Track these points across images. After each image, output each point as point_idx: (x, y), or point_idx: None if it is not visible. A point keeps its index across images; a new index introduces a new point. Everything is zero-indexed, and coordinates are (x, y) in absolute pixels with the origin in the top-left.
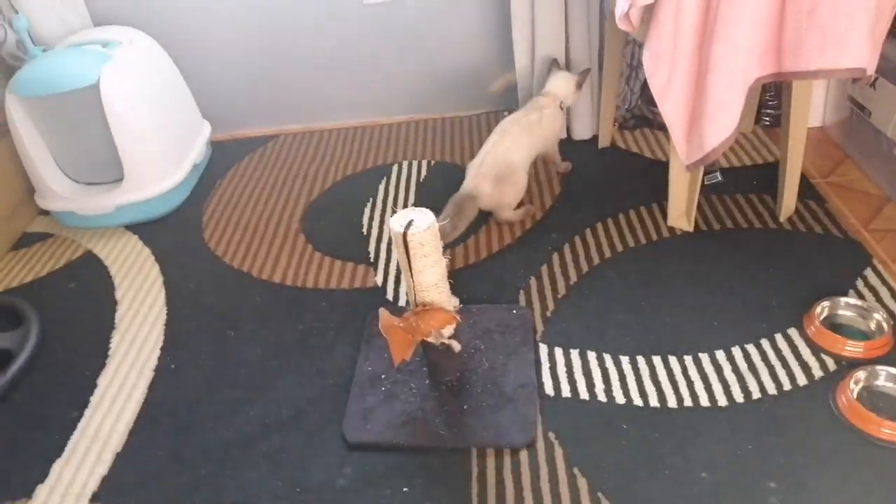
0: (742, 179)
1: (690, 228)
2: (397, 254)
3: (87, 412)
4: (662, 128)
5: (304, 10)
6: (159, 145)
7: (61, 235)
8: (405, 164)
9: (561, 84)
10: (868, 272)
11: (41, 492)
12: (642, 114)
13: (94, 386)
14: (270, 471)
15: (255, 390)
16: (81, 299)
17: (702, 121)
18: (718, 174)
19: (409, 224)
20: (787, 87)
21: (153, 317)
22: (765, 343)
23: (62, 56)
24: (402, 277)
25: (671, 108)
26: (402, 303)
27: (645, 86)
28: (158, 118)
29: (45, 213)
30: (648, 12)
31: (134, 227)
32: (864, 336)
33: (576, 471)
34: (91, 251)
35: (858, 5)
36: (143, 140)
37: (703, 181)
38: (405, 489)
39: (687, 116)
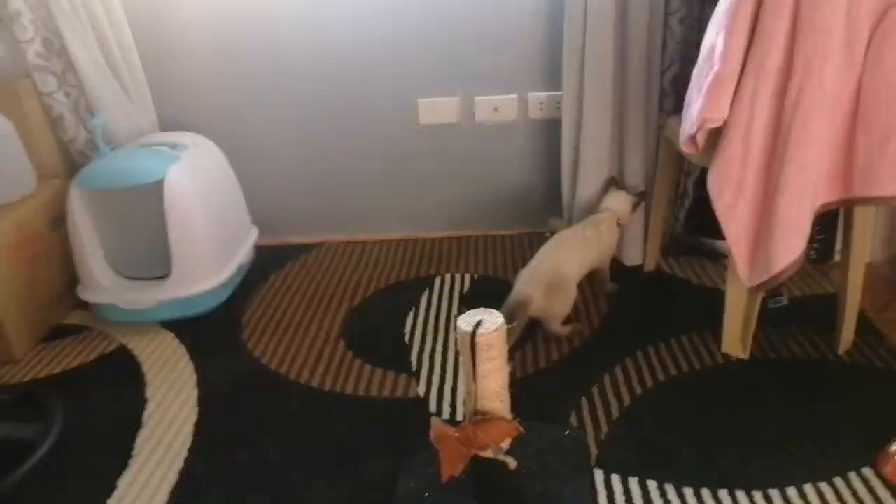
0: (794, 310)
1: (746, 356)
2: (462, 356)
3: None
4: (708, 256)
5: (360, 127)
6: (211, 245)
7: (96, 329)
8: (448, 276)
9: (619, 202)
10: None
11: None
12: (686, 242)
13: (114, 487)
14: None
15: (287, 500)
16: (110, 395)
17: (769, 243)
18: (784, 298)
19: (478, 324)
20: (847, 221)
21: (183, 416)
22: (838, 482)
23: (133, 154)
24: (463, 383)
25: (735, 230)
26: (445, 416)
27: (689, 215)
28: (214, 219)
29: (83, 306)
30: (714, 136)
31: (170, 325)
32: None
33: None
34: (125, 346)
35: None
36: (198, 239)
37: (766, 306)
38: None
39: (751, 238)
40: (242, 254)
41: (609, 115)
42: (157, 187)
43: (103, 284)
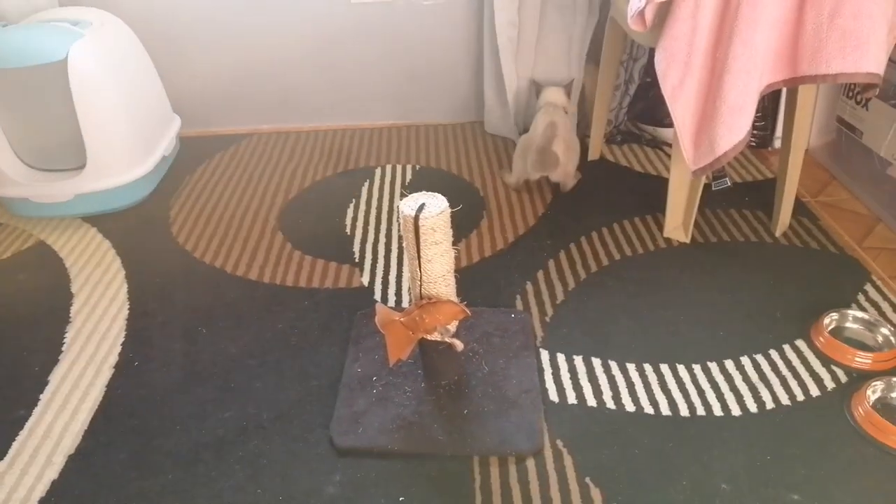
0: (733, 195)
1: (687, 240)
2: (405, 240)
3: (37, 411)
4: (649, 143)
5: (287, 4)
6: (126, 133)
7: (10, 225)
8: (388, 167)
9: (557, 95)
10: (868, 287)
11: None
12: (628, 130)
13: (45, 383)
14: (249, 477)
15: (231, 391)
16: (32, 292)
17: (714, 123)
18: (727, 180)
19: (421, 208)
20: (789, 105)
21: (113, 311)
22: (773, 353)
23: (28, 30)
24: (408, 271)
25: (681, 111)
26: (390, 304)
27: (633, 102)
28: (127, 104)
29: None
30: (663, 12)
31: (92, 220)
32: (868, 349)
33: (588, 480)
34: (44, 242)
35: (880, 10)
36: (110, 125)
37: (711, 188)
38: (401, 498)
39: (697, 120)
40: (165, 144)
41: None
42: (60, 69)
43: (11, 176)
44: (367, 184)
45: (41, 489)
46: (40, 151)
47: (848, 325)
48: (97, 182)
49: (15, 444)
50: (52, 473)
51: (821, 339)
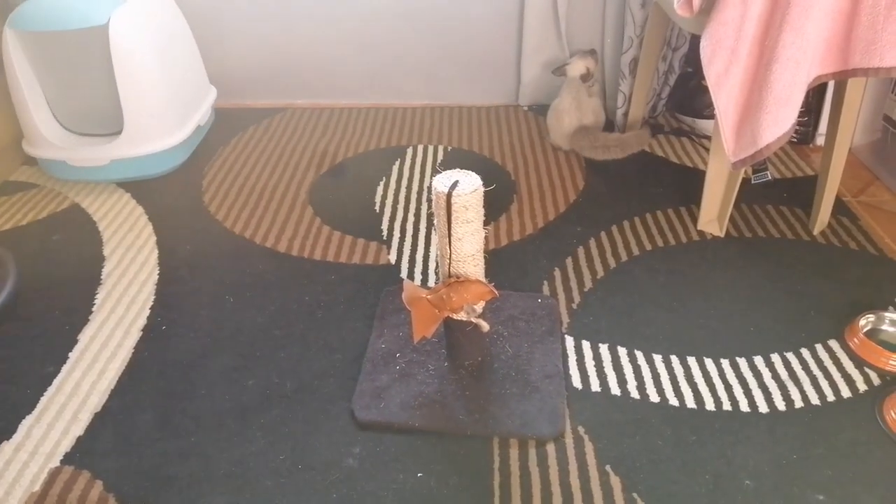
0: (771, 191)
1: (722, 234)
2: (436, 217)
3: (65, 368)
4: (687, 135)
5: None
6: (164, 100)
7: (46, 186)
8: (420, 147)
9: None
10: None
11: (6, 449)
12: (664, 121)
13: (75, 342)
14: (270, 445)
15: (255, 360)
16: (65, 252)
17: (758, 115)
18: (768, 173)
19: (454, 185)
20: (836, 100)
21: (144, 276)
22: (805, 352)
23: None
24: (436, 251)
25: (725, 100)
26: (416, 283)
27: (672, 91)
28: (166, 72)
29: (32, 162)
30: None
31: (126, 185)
32: None
33: (608, 468)
34: (78, 205)
35: None
36: (148, 92)
37: (749, 182)
38: (420, 474)
39: (740, 110)
40: (200, 114)
41: None
42: (102, 34)
43: (50, 139)
44: (398, 163)
45: (67, 444)
46: (79, 115)
47: (884, 327)
48: (133, 148)
49: (43, 399)
50: (78, 430)
51: (855, 340)
